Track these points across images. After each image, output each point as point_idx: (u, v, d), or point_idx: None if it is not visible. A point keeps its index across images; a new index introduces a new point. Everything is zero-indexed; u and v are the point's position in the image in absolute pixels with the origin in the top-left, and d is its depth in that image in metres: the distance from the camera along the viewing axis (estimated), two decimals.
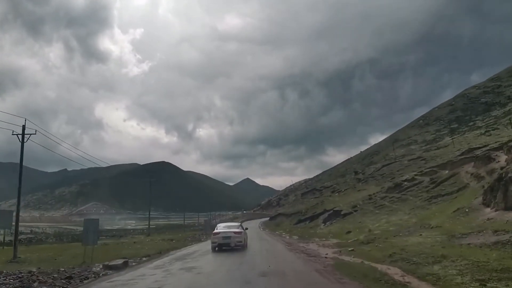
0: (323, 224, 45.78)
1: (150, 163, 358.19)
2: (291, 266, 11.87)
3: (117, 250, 23.06)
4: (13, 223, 23.16)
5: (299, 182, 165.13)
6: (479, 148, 44.07)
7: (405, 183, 42.84)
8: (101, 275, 11.42)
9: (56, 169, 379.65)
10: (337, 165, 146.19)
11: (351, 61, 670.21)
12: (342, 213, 44.34)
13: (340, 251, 15.62)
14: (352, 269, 10.46)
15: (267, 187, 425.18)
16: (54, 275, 10.73)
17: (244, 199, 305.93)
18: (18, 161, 20.82)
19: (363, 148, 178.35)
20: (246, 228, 22.76)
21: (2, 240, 30.09)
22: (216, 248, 18.59)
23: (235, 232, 19.01)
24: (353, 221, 37.66)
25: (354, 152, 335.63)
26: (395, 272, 9.88)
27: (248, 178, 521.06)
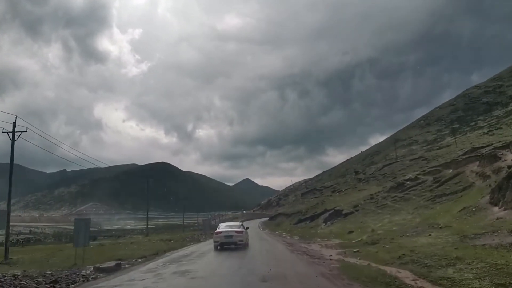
0: (324, 224, 45.16)
1: (149, 164, 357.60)
2: (293, 269, 11.02)
3: (113, 250, 22.45)
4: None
5: (299, 182, 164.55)
6: (483, 147, 43.50)
7: (408, 182, 42.21)
8: (90, 278, 10.61)
9: (55, 170, 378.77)
10: (337, 165, 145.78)
11: (351, 61, 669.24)
12: (343, 212, 43.72)
13: (345, 252, 14.86)
14: (359, 273, 9.67)
15: (267, 187, 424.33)
16: (39, 279, 9.93)
17: (244, 199, 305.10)
18: (17, 161, 20.34)
19: (363, 148, 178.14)
20: (247, 228, 23.16)
21: None
22: (218, 247, 19.01)
23: (236, 231, 19.53)
24: (354, 221, 37.09)
25: (354, 152, 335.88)
26: (405, 276, 9.15)
27: (247, 179, 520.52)
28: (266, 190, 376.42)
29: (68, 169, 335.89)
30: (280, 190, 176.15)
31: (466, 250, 10.69)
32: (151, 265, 13.08)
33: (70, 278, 10.46)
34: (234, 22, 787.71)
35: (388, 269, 10.00)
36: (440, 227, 16.89)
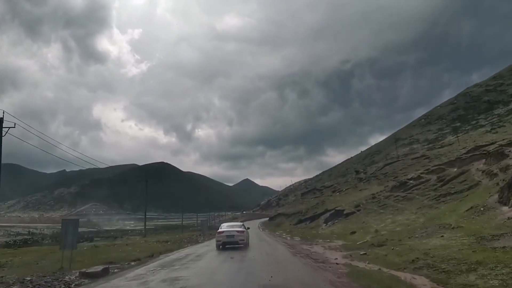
0: (325, 224, 44.25)
1: (149, 164, 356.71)
2: (297, 276, 9.90)
3: (106, 252, 21.49)
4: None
5: (299, 182, 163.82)
6: (486, 145, 42.60)
7: (411, 181, 41.24)
8: (73, 285, 9.59)
9: (55, 170, 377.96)
10: (337, 165, 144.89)
11: (350, 60, 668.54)
12: (344, 212, 42.80)
13: (351, 255, 13.85)
14: (371, 280, 8.65)
15: (267, 187, 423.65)
16: (14, 287, 8.98)
17: (244, 199, 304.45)
18: (17, 162, 19.57)
19: (363, 148, 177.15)
20: (248, 228, 24.10)
21: None
22: (220, 246, 19.82)
23: (238, 231, 20.30)
24: (356, 221, 36.20)
25: (353, 152, 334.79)
26: (422, 283, 8.20)
27: (247, 179, 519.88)
28: (265, 190, 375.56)
29: (68, 170, 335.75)
30: (280, 190, 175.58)
31: (486, 253, 9.73)
32: (140, 270, 11.96)
33: (50, 285, 9.43)
34: (234, 22, 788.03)
35: (402, 275, 9.03)
36: (452, 228, 15.91)
